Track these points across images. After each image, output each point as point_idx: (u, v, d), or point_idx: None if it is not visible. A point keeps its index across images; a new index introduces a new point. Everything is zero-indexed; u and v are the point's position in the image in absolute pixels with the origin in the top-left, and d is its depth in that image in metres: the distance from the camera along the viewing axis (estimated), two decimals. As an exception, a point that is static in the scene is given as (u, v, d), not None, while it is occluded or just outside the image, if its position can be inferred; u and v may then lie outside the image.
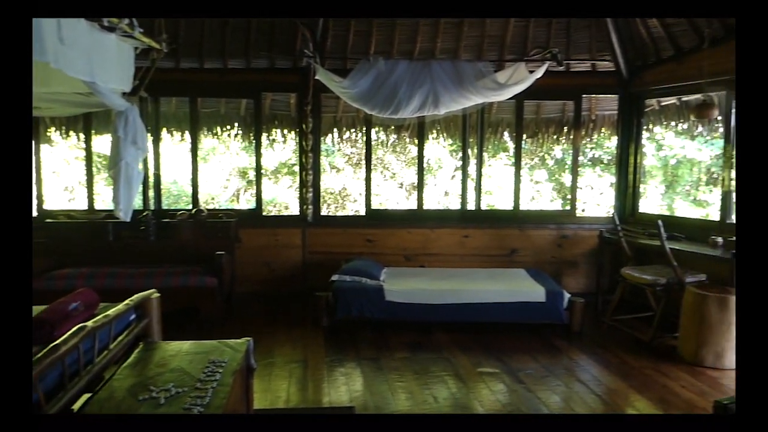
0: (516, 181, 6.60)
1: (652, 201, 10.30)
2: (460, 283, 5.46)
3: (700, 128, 6.44)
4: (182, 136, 6.51)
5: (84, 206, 6.42)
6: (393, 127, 6.74)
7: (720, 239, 5.07)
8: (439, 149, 10.27)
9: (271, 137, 6.84)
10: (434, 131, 6.84)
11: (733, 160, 5.46)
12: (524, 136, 6.79)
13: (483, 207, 7.00)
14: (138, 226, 5.61)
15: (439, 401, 3.86)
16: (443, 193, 10.55)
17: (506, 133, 6.92)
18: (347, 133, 6.89)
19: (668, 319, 4.91)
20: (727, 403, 1.70)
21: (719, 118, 5.45)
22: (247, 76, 6.14)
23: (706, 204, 9.97)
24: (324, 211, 10.39)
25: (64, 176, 9.72)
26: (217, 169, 10.44)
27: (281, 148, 9.92)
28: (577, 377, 4.34)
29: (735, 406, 1.71)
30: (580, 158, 10.18)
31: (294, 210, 9.26)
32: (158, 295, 3.26)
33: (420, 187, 6.78)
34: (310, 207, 6.33)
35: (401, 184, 10.76)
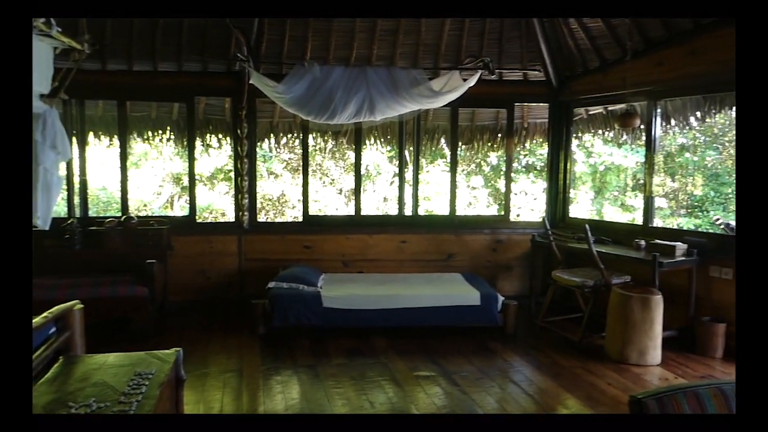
0: (452, 187, 6.71)
1: (582, 206, 10.71)
2: (397, 288, 5.49)
3: (625, 136, 6.75)
4: (111, 140, 6.28)
5: None
6: (330, 133, 6.73)
7: (643, 242, 5.31)
8: (378, 155, 10.33)
9: (205, 142, 6.71)
10: (371, 137, 6.87)
11: (655, 167, 5.75)
12: (460, 143, 6.92)
13: (421, 213, 7.10)
14: (62, 234, 5.35)
15: (375, 406, 3.86)
16: (382, 199, 10.62)
17: (443, 140, 7.04)
18: (284, 139, 6.84)
19: (596, 320, 5.10)
20: (642, 397, 1.76)
21: (642, 127, 5.73)
22: (179, 80, 5.98)
23: (633, 209, 10.47)
24: (262, 218, 10.24)
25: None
26: (150, 175, 10.11)
27: (217, 153, 9.73)
28: (510, 378, 4.44)
29: (649, 402, 1.78)
30: (515, 165, 10.50)
31: (231, 217, 9.08)
32: (81, 306, 3.11)
33: (358, 192, 6.79)
34: (246, 213, 6.23)
35: (340, 190, 10.75)
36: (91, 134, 6.15)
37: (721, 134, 11.15)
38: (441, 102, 5.72)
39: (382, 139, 6.97)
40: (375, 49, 6.13)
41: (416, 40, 6.15)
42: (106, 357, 2.82)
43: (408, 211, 6.75)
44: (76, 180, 5.93)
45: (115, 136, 6.17)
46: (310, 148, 10.17)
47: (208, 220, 9.86)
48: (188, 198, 6.62)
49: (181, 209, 10.15)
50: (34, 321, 2.63)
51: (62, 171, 4.28)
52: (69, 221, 5.50)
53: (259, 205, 10.55)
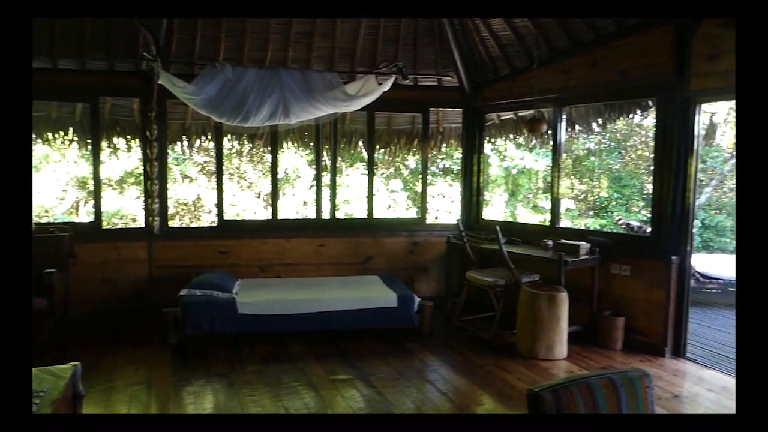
0: (369, 190, 6.75)
1: (497, 208, 11.09)
2: (315, 292, 5.46)
3: (534, 141, 7.05)
4: (5, 142, 5.84)
5: None
6: (246, 136, 6.59)
7: (550, 242, 5.56)
8: (297, 159, 10.24)
9: (113, 145, 6.39)
10: (288, 140, 6.79)
11: (564, 170, 6.04)
12: (377, 147, 6.98)
13: (341, 216, 7.08)
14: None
15: (290, 412, 3.81)
16: (302, 203, 10.53)
17: (361, 143, 7.07)
18: (198, 141, 6.63)
19: (508, 318, 5.29)
20: (538, 390, 1.83)
21: (550, 132, 6.00)
22: (82, 79, 5.68)
23: (544, 210, 10.94)
24: (177, 223, 9.92)
25: None
26: (52, 179, 9.51)
27: (127, 156, 9.31)
28: (426, 378, 4.52)
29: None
30: (432, 168, 10.73)
31: (141, 222, 8.71)
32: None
33: (274, 196, 6.69)
34: (157, 218, 5.98)
35: (258, 194, 10.56)
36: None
37: (623, 140, 11.88)
38: (356, 106, 5.74)
39: (300, 143, 6.90)
40: (290, 52, 6.07)
41: (332, 43, 6.15)
42: (-7, 375, 2.62)
43: (326, 215, 6.73)
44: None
45: (10, 138, 5.76)
46: (226, 151, 9.99)
47: (118, 226, 9.40)
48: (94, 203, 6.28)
49: (87, 215, 9.62)
50: None
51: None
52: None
53: (173, 210, 10.24)
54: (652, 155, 5.32)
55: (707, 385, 4.37)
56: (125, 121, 6.15)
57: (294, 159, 10.22)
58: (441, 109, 6.91)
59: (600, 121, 6.08)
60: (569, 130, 6.23)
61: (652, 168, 5.23)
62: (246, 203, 10.37)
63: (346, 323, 5.25)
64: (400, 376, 4.50)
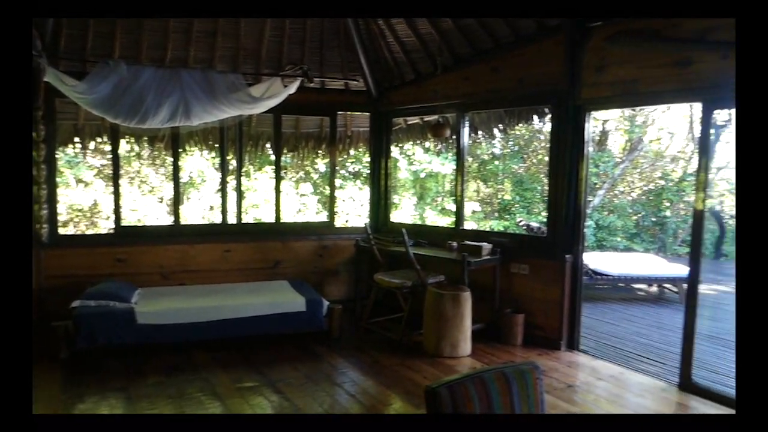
0: (277, 194, 6.66)
1: (406, 211, 11.27)
2: (220, 299, 5.30)
3: (440, 145, 7.24)
4: None
5: None
6: (146, 138, 6.30)
7: (455, 243, 5.73)
8: (202, 162, 9.93)
9: (-7, 146, 5.90)
10: (192, 143, 6.57)
11: (470, 174, 6.24)
12: (285, 150, 6.91)
13: (249, 220, 6.92)
14: None
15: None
16: (208, 208, 10.21)
17: (268, 146, 6.96)
18: (92, 143, 6.26)
19: (415, 318, 5.39)
20: (435, 387, 1.88)
21: (454, 137, 6.18)
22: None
23: (451, 213, 11.25)
24: (70, 230, 9.32)
25: None
26: None
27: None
28: (334, 381, 4.51)
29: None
30: (342, 172, 10.76)
31: (30, 230, 8.10)
32: None
33: (177, 201, 6.44)
34: (45, 226, 5.58)
35: (161, 198, 10.13)
36: None
37: (525, 145, 12.47)
38: (261, 108, 5.65)
39: (204, 145, 6.69)
40: (192, 51, 5.87)
41: (236, 44, 6.01)
42: None
43: (232, 219, 6.56)
44: None
45: None
46: (126, 154, 9.50)
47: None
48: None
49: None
50: None
51: None
52: None
53: (66, 217, 9.61)
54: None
55: (598, 374, 4.67)
56: (8, 121, 5.70)
57: (199, 162, 9.89)
58: (349, 112, 6.94)
59: (501, 126, 6.34)
60: (472, 135, 6.46)
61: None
62: (147, 208, 9.91)
63: (254, 330, 5.14)
64: (309, 381, 4.46)
